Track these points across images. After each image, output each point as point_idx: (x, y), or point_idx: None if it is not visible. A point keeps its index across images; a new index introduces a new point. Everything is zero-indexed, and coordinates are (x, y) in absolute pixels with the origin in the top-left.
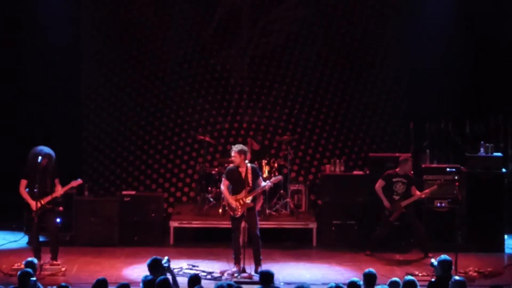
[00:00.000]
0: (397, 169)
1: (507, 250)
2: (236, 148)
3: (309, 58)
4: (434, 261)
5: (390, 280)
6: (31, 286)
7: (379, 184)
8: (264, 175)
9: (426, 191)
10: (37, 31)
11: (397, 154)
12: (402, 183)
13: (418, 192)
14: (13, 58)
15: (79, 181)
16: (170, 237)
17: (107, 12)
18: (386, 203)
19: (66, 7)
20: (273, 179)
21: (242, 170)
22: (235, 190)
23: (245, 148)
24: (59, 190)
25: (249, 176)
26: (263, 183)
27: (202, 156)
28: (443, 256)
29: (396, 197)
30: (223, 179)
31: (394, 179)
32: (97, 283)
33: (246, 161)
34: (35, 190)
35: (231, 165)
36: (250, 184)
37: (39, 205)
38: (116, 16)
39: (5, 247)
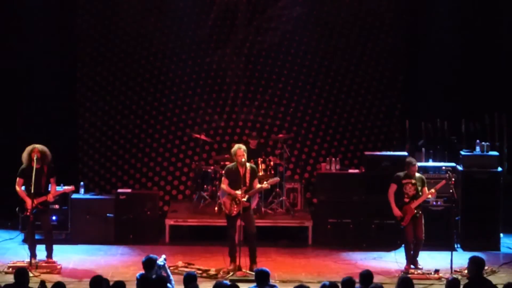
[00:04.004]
0: (405, 171)
1: (502, 249)
2: (243, 146)
3: (304, 56)
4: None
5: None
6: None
7: (391, 189)
8: (260, 173)
9: (433, 190)
10: (31, 29)
11: (393, 153)
12: (412, 184)
13: (426, 192)
14: (9, 58)
15: (72, 187)
16: (166, 235)
17: (103, 11)
18: (393, 210)
19: (62, 5)
20: (270, 180)
21: (242, 169)
22: (232, 188)
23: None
24: (51, 196)
25: (247, 175)
26: (259, 184)
27: (197, 154)
28: (475, 255)
29: (407, 200)
30: (223, 178)
31: (404, 181)
32: (93, 281)
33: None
34: (30, 188)
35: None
36: (248, 184)
37: (33, 204)
38: (112, 15)
39: (0, 245)
